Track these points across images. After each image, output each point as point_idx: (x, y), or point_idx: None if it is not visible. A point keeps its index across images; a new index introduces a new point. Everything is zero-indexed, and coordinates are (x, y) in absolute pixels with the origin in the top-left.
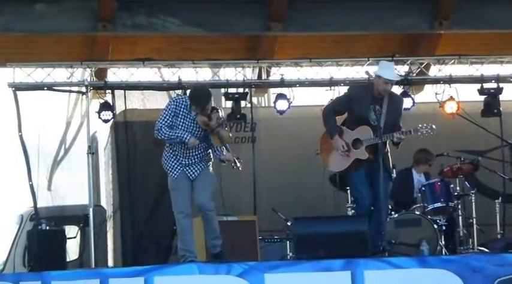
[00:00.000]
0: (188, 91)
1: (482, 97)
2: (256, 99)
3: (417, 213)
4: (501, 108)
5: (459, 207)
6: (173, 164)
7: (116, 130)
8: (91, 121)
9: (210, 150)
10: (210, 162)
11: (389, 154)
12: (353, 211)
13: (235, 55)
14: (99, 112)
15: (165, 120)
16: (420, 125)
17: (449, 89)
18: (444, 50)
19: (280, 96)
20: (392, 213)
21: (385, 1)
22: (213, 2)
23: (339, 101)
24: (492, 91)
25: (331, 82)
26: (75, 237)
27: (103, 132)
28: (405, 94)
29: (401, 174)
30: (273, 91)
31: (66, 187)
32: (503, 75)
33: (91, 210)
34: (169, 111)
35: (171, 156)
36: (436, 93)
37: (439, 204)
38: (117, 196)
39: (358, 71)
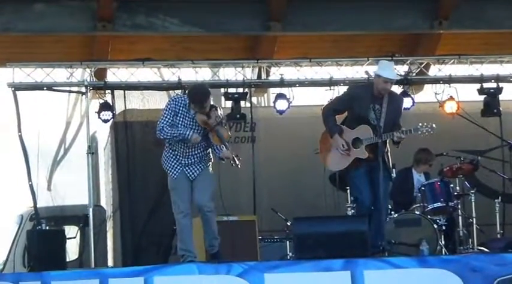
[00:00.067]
0: (187, 90)
1: (482, 97)
2: (256, 99)
3: (417, 212)
4: (501, 108)
5: (459, 206)
6: (173, 164)
7: (115, 130)
8: (91, 121)
9: (209, 150)
10: (210, 163)
11: (389, 153)
12: (353, 211)
13: (234, 55)
14: (98, 112)
15: (166, 119)
16: (420, 124)
17: (449, 89)
18: (444, 49)
19: (280, 96)
20: (392, 212)
21: (385, 1)
22: (212, 2)
23: (338, 100)
24: (492, 91)
25: (331, 82)
26: (74, 237)
27: (103, 132)
28: (405, 94)
29: (401, 174)
30: (273, 91)
31: (66, 187)
32: (503, 74)
33: (91, 209)
34: (170, 111)
35: (171, 156)
36: (436, 93)
37: (438, 204)
38: (117, 196)
39: (357, 71)
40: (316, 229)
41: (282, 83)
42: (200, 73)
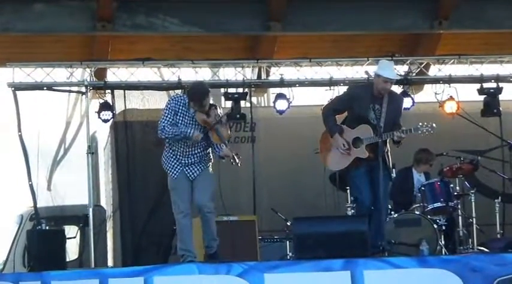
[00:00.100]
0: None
1: (482, 97)
2: (256, 99)
3: (417, 212)
4: (501, 108)
5: (459, 206)
6: (173, 164)
7: (115, 130)
8: (91, 121)
9: (209, 150)
10: (210, 163)
11: (389, 153)
12: (353, 211)
13: (234, 55)
14: (98, 112)
15: (167, 118)
16: (420, 124)
17: (449, 89)
18: (444, 49)
19: (280, 96)
20: (392, 212)
21: (385, 1)
22: (212, 2)
23: (338, 100)
24: (492, 91)
25: (331, 82)
26: (74, 237)
27: (103, 132)
28: (405, 94)
29: (401, 174)
30: (273, 91)
31: (66, 187)
32: (503, 74)
33: (91, 209)
34: (170, 110)
35: (171, 155)
36: (436, 93)
37: (438, 204)
38: (117, 196)
39: (357, 71)
40: (316, 229)
41: (282, 83)
42: (200, 73)
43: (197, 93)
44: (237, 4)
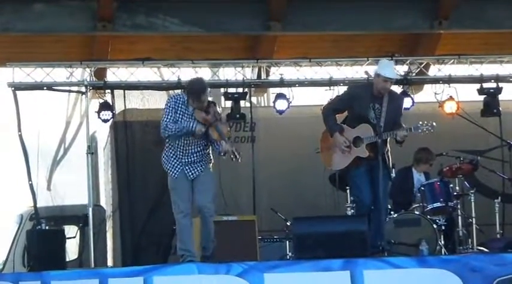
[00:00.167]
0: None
1: (482, 97)
2: (256, 98)
3: (416, 212)
4: (500, 108)
5: (458, 206)
6: (173, 163)
7: (115, 130)
8: (90, 121)
9: (210, 151)
10: (211, 164)
11: (389, 153)
12: (352, 210)
13: (234, 55)
14: (98, 112)
15: (169, 116)
16: (420, 122)
17: (449, 89)
18: (443, 49)
19: (280, 96)
20: (392, 212)
21: (385, 1)
22: (212, 2)
23: (338, 100)
24: (491, 91)
25: (331, 82)
26: (74, 237)
27: (102, 132)
28: (405, 94)
29: (401, 173)
30: (273, 91)
31: (66, 187)
32: (503, 74)
33: (90, 209)
34: (170, 108)
35: (172, 155)
36: (436, 93)
37: (438, 204)
38: (117, 196)
39: (357, 71)
40: (315, 229)
41: (281, 83)
42: (200, 73)
43: (195, 88)
44: (237, 4)
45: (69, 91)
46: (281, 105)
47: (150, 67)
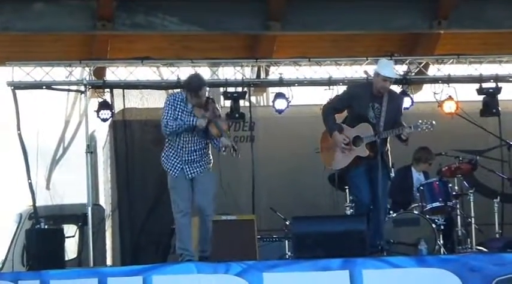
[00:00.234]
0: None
1: (481, 97)
2: (255, 98)
3: (415, 212)
4: (500, 108)
5: (457, 206)
6: (173, 162)
7: (114, 129)
8: (90, 120)
9: (210, 151)
10: (210, 164)
11: (389, 152)
12: (351, 210)
13: (234, 54)
14: (97, 111)
15: (169, 114)
16: (420, 121)
17: (448, 89)
18: (443, 49)
19: (279, 95)
20: (391, 212)
21: (384, 1)
22: (211, 1)
23: (338, 99)
24: (491, 90)
25: (330, 82)
26: (73, 236)
27: (102, 131)
28: (404, 93)
29: (401, 172)
30: (272, 91)
31: (65, 186)
32: (502, 74)
33: (89, 208)
34: (170, 106)
35: (172, 153)
36: (435, 93)
37: (437, 204)
38: (116, 195)
39: (356, 71)
40: (315, 229)
41: (281, 82)
42: (199, 72)
43: (193, 84)
44: (237, 3)
45: (69, 90)
46: (280, 104)
47: (149, 66)
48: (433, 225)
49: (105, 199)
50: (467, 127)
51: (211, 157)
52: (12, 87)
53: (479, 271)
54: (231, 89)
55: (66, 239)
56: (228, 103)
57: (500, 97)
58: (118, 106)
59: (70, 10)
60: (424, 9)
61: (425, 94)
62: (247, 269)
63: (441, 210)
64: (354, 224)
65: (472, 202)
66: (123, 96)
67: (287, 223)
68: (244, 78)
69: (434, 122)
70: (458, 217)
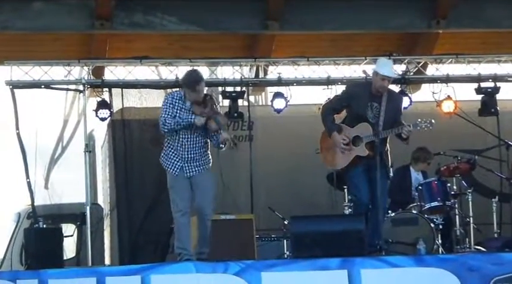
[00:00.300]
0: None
1: (480, 97)
2: (254, 97)
3: (414, 211)
4: (498, 107)
5: (456, 206)
6: (173, 161)
7: (113, 129)
8: (88, 119)
9: (209, 151)
10: (210, 164)
11: (388, 152)
12: (350, 210)
13: (232, 53)
14: (96, 111)
15: (167, 112)
16: (419, 120)
17: (447, 88)
18: (441, 49)
19: (278, 95)
20: (389, 211)
21: (383, 0)
22: (210, 1)
23: (337, 99)
24: (489, 90)
25: (329, 81)
26: (72, 235)
27: (100, 130)
28: (402, 93)
29: (399, 172)
30: (270, 90)
31: (63, 185)
32: (501, 74)
33: (88, 208)
34: (168, 104)
35: (171, 152)
36: (433, 92)
37: (436, 203)
38: (114, 195)
39: (355, 70)
40: (313, 228)
41: (279, 82)
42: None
43: (191, 79)
44: (235, 3)
45: (67, 89)
46: (279, 104)
47: (147, 65)
48: (432, 225)
49: (103, 199)
50: (465, 127)
51: (210, 157)
52: (11, 86)
53: (477, 271)
54: (229, 89)
55: (64, 239)
56: (226, 102)
57: (498, 96)
58: (116, 106)
59: (69, 9)
60: (423, 9)
61: (424, 93)
62: (245, 268)
63: (440, 210)
64: (352, 224)
65: (470, 202)
66: (122, 95)
67: (285, 222)
68: (242, 77)
69: (433, 121)
70: (457, 216)
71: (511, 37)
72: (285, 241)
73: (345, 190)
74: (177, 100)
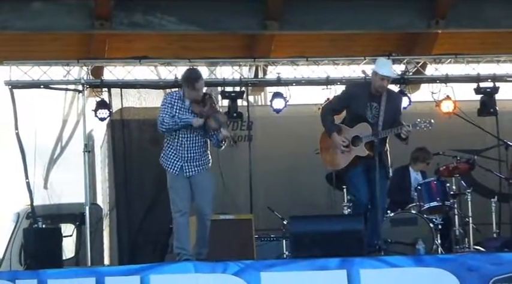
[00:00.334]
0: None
1: (479, 97)
2: (253, 97)
3: (413, 211)
4: (497, 107)
5: (455, 206)
6: (173, 160)
7: (112, 129)
8: (87, 119)
9: (209, 151)
10: (209, 164)
11: (388, 152)
12: (349, 210)
13: (232, 53)
14: (95, 111)
15: (165, 111)
16: (419, 119)
17: (446, 88)
18: (440, 49)
19: (277, 95)
20: (388, 211)
21: (382, 0)
22: (210, 1)
23: (337, 99)
24: (488, 90)
25: (328, 81)
26: (71, 235)
27: (99, 130)
28: (402, 93)
29: (398, 172)
30: (270, 90)
31: (63, 185)
32: (500, 74)
33: (87, 208)
34: (167, 104)
35: (171, 151)
36: (433, 92)
37: (435, 203)
38: (113, 195)
39: (354, 70)
40: (312, 228)
41: (278, 82)
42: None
43: (190, 76)
44: (235, 3)
45: (66, 89)
46: (278, 104)
47: (147, 65)
48: (431, 225)
49: (102, 199)
50: (464, 127)
51: (210, 157)
52: (10, 86)
53: (476, 271)
54: (228, 89)
55: (63, 239)
56: (225, 102)
57: (497, 96)
58: (116, 106)
59: (68, 9)
60: (422, 9)
61: (423, 93)
62: (244, 268)
63: (439, 210)
64: (351, 224)
65: (469, 202)
66: (121, 95)
67: (285, 222)
68: (242, 77)
69: (433, 120)
70: (456, 216)
71: (510, 37)
72: (284, 241)
73: (344, 190)
74: (176, 100)
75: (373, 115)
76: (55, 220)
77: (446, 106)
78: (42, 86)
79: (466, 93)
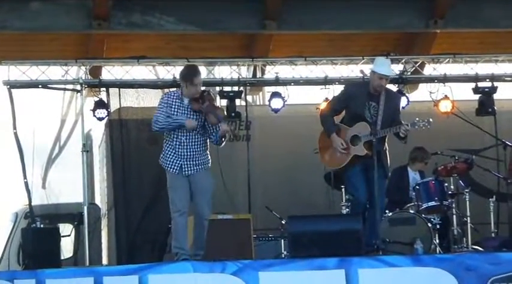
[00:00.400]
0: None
1: (477, 96)
2: (251, 97)
3: (411, 211)
4: (495, 107)
5: (453, 205)
6: (172, 159)
7: (110, 128)
8: (85, 119)
9: (208, 151)
10: (208, 164)
11: (387, 152)
12: (347, 209)
13: (230, 53)
14: (93, 110)
15: (161, 111)
16: (417, 118)
17: (444, 88)
18: (439, 48)
19: (275, 95)
20: (387, 211)
21: (381, 0)
22: (208, 0)
23: (336, 100)
24: (487, 90)
25: (326, 81)
26: (69, 235)
27: (98, 130)
28: (400, 93)
29: (397, 172)
30: (268, 90)
31: (61, 185)
32: (498, 74)
33: (85, 208)
34: (164, 104)
35: (170, 150)
36: (431, 92)
37: (433, 203)
38: (112, 194)
39: (352, 70)
40: (310, 228)
41: (277, 82)
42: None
43: (188, 72)
44: (233, 3)
45: (65, 89)
46: (276, 103)
47: (145, 65)
48: (429, 224)
49: (101, 198)
50: (463, 127)
51: (209, 158)
52: (8, 86)
53: (474, 270)
54: (227, 88)
55: (62, 239)
56: (224, 102)
57: (496, 96)
58: (114, 105)
59: (66, 9)
60: (421, 9)
61: (421, 93)
62: (243, 268)
63: (437, 209)
64: (349, 224)
65: (467, 201)
66: (119, 95)
67: (283, 222)
68: (240, 77)
69: (431, 120)
70: (454, 216)
71: (508, 37)
72: (282, 240)
73: (343, 189)
74: (174, 100)
75: (371, 115)
76: (53, 220)
77: (445, 106)
78: (40, 86)
79: (464, 92)
